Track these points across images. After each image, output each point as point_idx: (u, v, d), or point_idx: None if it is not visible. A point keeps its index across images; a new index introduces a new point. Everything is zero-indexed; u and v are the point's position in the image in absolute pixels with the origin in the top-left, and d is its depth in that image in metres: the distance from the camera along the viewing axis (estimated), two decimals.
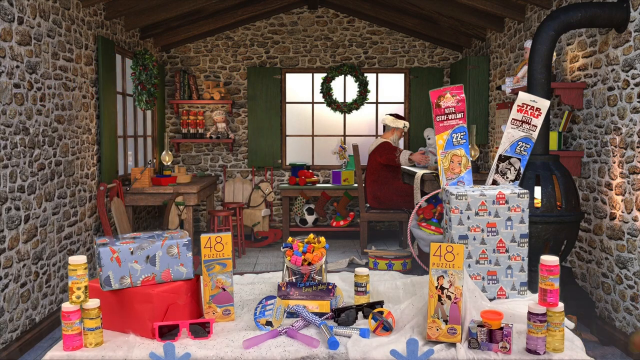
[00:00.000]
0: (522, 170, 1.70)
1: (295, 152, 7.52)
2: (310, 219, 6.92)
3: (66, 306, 1.33)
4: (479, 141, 6.22)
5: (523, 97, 1.69)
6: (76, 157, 4.45)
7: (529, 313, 1.29)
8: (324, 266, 1.61)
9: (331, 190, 6.76)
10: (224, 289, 1.49)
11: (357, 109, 7.39)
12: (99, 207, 4.78)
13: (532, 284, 1.54)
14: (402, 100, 7.50)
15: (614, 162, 3.56)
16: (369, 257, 5.38)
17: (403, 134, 6.09)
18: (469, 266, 1.55)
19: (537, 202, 3.38)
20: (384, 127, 6.08)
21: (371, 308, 1.51)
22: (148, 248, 1.45)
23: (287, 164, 7.37)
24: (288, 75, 7.43)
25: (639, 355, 3.31)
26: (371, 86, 7.42)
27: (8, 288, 3.39)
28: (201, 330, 1.39)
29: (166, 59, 7.29)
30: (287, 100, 7.45)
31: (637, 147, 3.31)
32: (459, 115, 1.69)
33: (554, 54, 3.94)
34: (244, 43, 7.31)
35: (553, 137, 4.01)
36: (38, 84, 3.78)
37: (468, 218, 1.54)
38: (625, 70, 3.42)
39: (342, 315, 1.47)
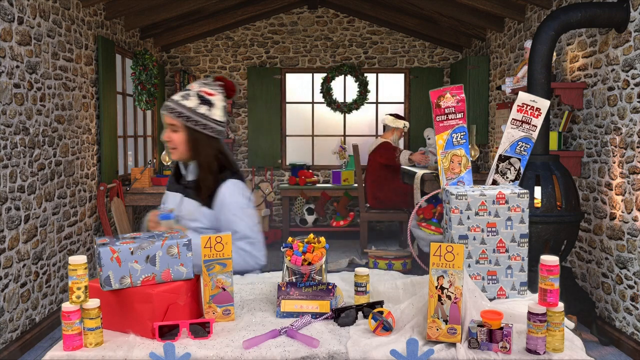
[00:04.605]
0: (522, 170, 1.70)
1: (295, 152, 7.52)
2: (310, 219, 6.92)
3: (66, 306, 1.33)
4: (479, 141, 6.22)
5: (523, 97, 1.69)
6: (76, 157, 4.45)
7: (529, 313, 1.29)
8: (324, 266, 1.61)
9: (331, 190, 6.76)
10: (224, 289, 1.49)
11: (357, 109, 7.40)
12: (99, 207, 4.79)
13: (532, 284, 1.54)
14: (402, 100, 7.50)
15: (614, 162, 3.56)
16: (369, 257, 5.38)
17: (403, 134, 6.09)
18: (469, 266, 1.55)
19: (537, 202, 3.38)
20: (384, 127, 6.08)
21: (371, 308, 1.51)
22: (148, 248, 1.45)
23: (287, 164, 7.37)
24: (288, 75, 7.43)
25: (639, 355, 3.31)
26: (371, 86, 7.42)
27: (8, 288, 3.39)
28: (201, 330, 1.39)
29: (166, 59, 7.29)
30: (287, 100, 7.45)
31: (637, 147, 3.31)
32: (459, 115, 1.69)
33: (554, 54, 3.94)
34: (244, 43, 7.31)
35: (553, 137, 4.01)
36: (38, 84, 3.78)
37: (468, 218, 1.54)
38: (625, 70, 3.42)
39: (342, 315, 1.47)
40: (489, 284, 1.56)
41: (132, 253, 1.43)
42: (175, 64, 7.31)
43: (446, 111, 1.70)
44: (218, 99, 2.00)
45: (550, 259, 1.31)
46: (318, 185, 6.83)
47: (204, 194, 2.02)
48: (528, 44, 4.19)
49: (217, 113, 1.99)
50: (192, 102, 1.96)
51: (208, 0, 5.65)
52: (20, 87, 3.53)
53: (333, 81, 7.33)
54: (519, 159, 1.70)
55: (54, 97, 4.04)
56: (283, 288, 1.54)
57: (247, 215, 2.00)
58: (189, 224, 2.04)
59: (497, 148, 4.38)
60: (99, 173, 4.97)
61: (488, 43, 6.25)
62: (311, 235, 1.66)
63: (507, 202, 1.53)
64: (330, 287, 1.53)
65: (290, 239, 1.64)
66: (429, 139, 6.73)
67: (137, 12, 5.58)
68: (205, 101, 1.97)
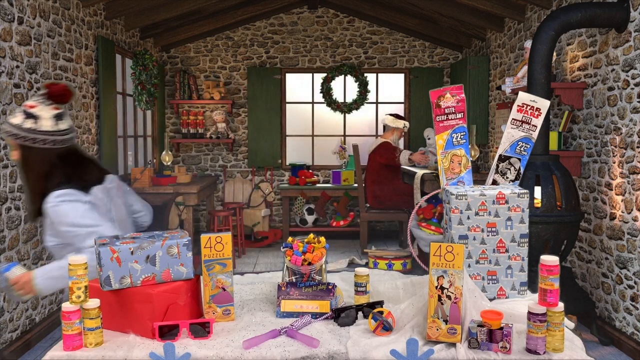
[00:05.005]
0: (522, 170, 1.71)
1: (295, 152, 7.52)
2: (310, 219, 6.92)
3: (66, 306, 1.33)
4: (479, 141, 6.22)
5: (523, 97, 1.69)
6: None
7: (529, 313, 1.29)
8: (324, 266, 1.61)
9: (331, 190, 6.76)
10: (224, 289, 1.49)
11: (357, 109, 7.39)
12: None
13: (532, 284, 1.54)
14: (402, 100, 7.50)
15: (614, 162, 3.56)
16: (369, 257, 5.38)
17: (403, 134, 6.09)
18: (469, 266, 1.55)
19: (537, 202, 3.38)
20: (384, 127, 6.08)
21: (371, 308, 1.51)
22: (148, 248, 1.45)
23: (287, 164, 7.37)
24: (288, 75, 7.43)
25: (639, 355, 3.31)
26: (371, 86, 7.42)
27: None
28: (201, 330, 1.39)
29: (166, 59, 7.29)
30: (287, 100, 7.45)
31: (637, 147, 3.31)
32: (459, 115, 1.69)
33: (554, 54, 3.94)
34: (244, 43, 7.31)
35: (553, 137, 4.01)
36: (38, 84, 3.78)
37: (468, 218, 1.54)
38: (625, 70, 3.42)
39: (342, 315, 1.47)
40: (489, 284, 1.56)
41: (132, 253, 1.43)
42: (175, 64, 7.31)
43: (446, 111, 1.69)
44: (41, 109, 1.92)
45: (550, 259, 1.31)
46: (318, 185, 6.83)
47: (29, 210, 1.99)
48: (528, 44, 4.19)
49: (46, 124, 1.91)
50: (18, 119, 1.91)
51: (208, 0, 5.65)
52: (20, 87, 3.53)
53: (333, 81, 7.33)
54: (519, 159, 1.70)
55: None
56: (283, 288, 1.55)
57: (78, 226, 1.83)
58: (48, 240, 1.98)
59: (497, 148, 4.38)
60: None
61: (488, 43, 6.25)
62: (311, 235, 1.66)
63: (507, 202, 1.53)
64: (330, 287, 1.53)
65: (290, 239, 1.65)
66: (429, 139, 6.72)
67: (137, 12, 5.58)
68: (29, 115, 1.91)
